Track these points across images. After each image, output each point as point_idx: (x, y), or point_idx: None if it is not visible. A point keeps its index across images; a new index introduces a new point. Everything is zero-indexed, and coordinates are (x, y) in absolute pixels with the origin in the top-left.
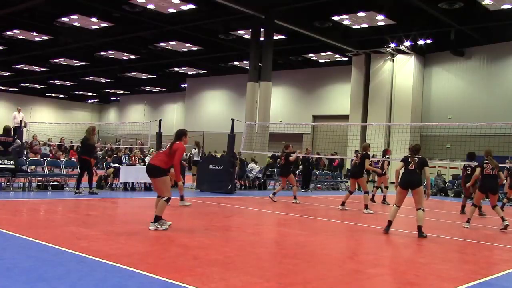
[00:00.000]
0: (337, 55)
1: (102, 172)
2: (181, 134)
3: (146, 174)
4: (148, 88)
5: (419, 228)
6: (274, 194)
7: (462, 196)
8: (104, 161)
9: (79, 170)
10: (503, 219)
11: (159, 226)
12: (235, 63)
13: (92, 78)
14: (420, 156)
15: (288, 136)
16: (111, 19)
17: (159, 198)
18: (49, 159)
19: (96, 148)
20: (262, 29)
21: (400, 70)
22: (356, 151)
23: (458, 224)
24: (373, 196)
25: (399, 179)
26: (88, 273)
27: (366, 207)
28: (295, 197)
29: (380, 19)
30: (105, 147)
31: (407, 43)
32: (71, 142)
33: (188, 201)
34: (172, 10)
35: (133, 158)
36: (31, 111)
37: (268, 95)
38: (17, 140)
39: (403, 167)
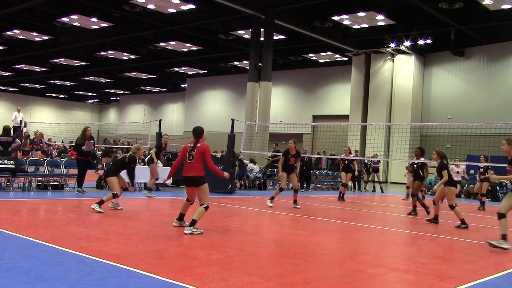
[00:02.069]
0: (337, 55)
1: (100, 172)
2: (200, 133)
3: (186, 185)
4: (148, 88)
5: (463, 220)
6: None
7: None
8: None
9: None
10: None
11: (195, 230)
12: (235, 63)
13: (92, 78)
14: None
15: (288, 136)
16: (111, 19)
17: (189, 202)
18: (49, 159)
19: (88, 147)
20: (262, 29)
21: (400, 70)
22: (356, 151)
23: (457, 224)
24: (343, 195)
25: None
26: (88, 273)
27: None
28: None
29: (380, 19)
30: (95, 148)
31: (407, 43)
32: (71, 142)
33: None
34: (172, 10)
35: None
36: (31, 111)
37: (268, 95)
38: (17, 140)
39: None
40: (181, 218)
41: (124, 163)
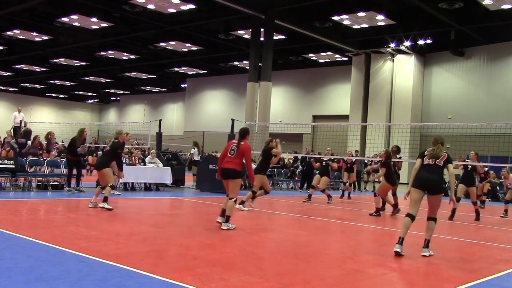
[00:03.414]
0: (337, 55)
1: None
2: (244, 133)
3: (222, 177)
4: (148, 88)
5: (377, 209)
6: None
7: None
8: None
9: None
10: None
11: (230, 226)
12: (235, 63)
13: (92, 78)
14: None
15: (288, 136)
16: (111, 19)
17: (228, 197)
18: (49, 159)
19: (82, 149)
20: (262, 29)
21: (400, 70)
22: (356, 151)
23: (458, 224)
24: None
25: None
26: (88, 273)
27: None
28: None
29: (380, 19)
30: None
31: (407, 43)
32: None
33: (246, 206)
34: (172, 10)
35: (133, 158)
36: (31, 111)
37: (268, 95)
38: (28, 142)
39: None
40: (223, 213)
41: (111, 152)
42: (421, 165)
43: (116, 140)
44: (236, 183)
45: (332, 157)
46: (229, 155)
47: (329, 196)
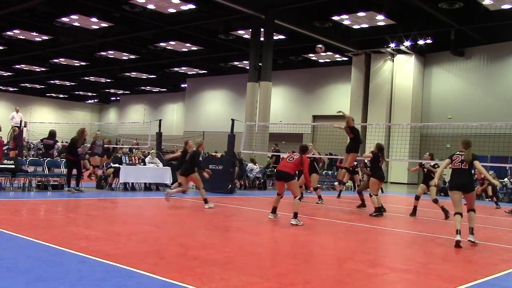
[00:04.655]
0: (337, 55)
1: (99, 172)
2: (305, 149)
3: (277, 178)
4: (148, 88)
5: (377, 209)
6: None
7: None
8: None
9: (66, 169)
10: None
11: (299, 222)
12: (235, 63)
13: (92, 78)
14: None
15: (288, 136)
16: (111, 19)
17: (279, 196)
18: (49, 159)
19: (83, 150)
20: (262, 29)
21: (400, 70)
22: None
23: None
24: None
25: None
26: (88, 273)
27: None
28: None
29: (380, 19)
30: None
31: (407, 43)
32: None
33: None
34: (172, 10)
35: (133, 158)
36: (31, 111)
37: (268, 95)
38: (58, 143)
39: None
40: (274, 211)
41: (192, 160)
42: (452, 170)
43: (196, 150)
44: (293, 183)
45: (318, 155)
46: (287, 160)
47: (319, 197)
